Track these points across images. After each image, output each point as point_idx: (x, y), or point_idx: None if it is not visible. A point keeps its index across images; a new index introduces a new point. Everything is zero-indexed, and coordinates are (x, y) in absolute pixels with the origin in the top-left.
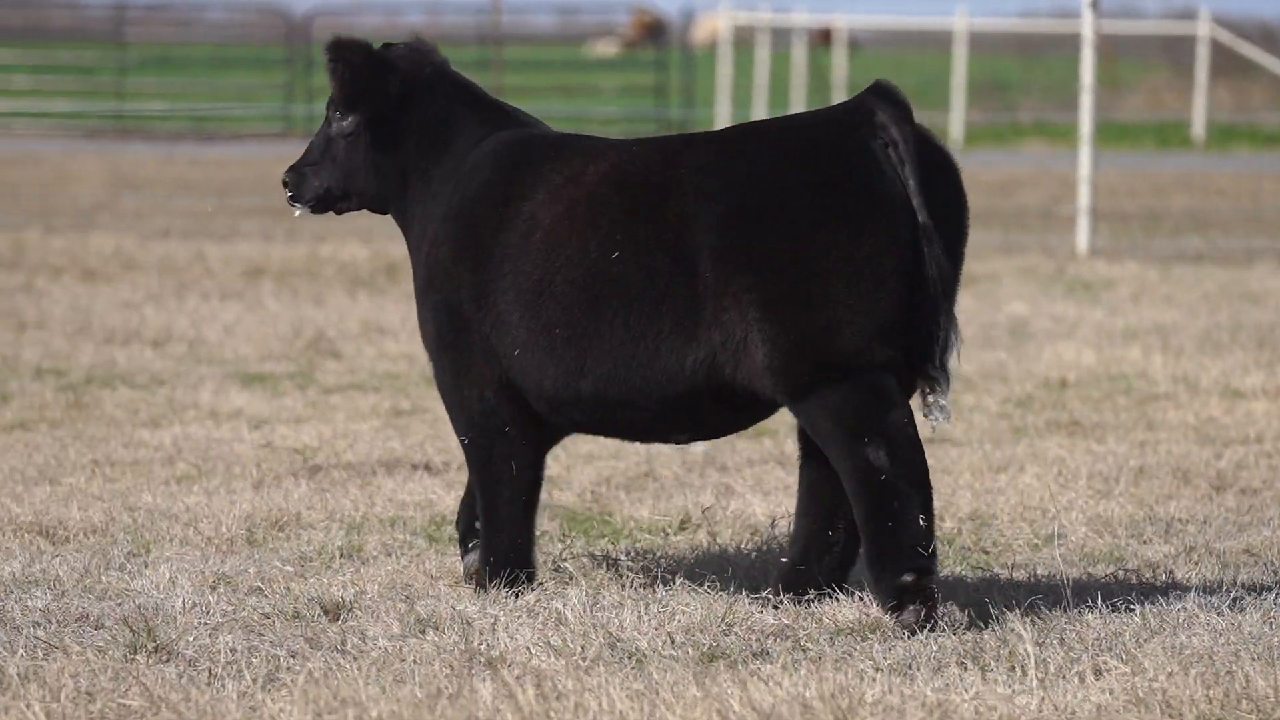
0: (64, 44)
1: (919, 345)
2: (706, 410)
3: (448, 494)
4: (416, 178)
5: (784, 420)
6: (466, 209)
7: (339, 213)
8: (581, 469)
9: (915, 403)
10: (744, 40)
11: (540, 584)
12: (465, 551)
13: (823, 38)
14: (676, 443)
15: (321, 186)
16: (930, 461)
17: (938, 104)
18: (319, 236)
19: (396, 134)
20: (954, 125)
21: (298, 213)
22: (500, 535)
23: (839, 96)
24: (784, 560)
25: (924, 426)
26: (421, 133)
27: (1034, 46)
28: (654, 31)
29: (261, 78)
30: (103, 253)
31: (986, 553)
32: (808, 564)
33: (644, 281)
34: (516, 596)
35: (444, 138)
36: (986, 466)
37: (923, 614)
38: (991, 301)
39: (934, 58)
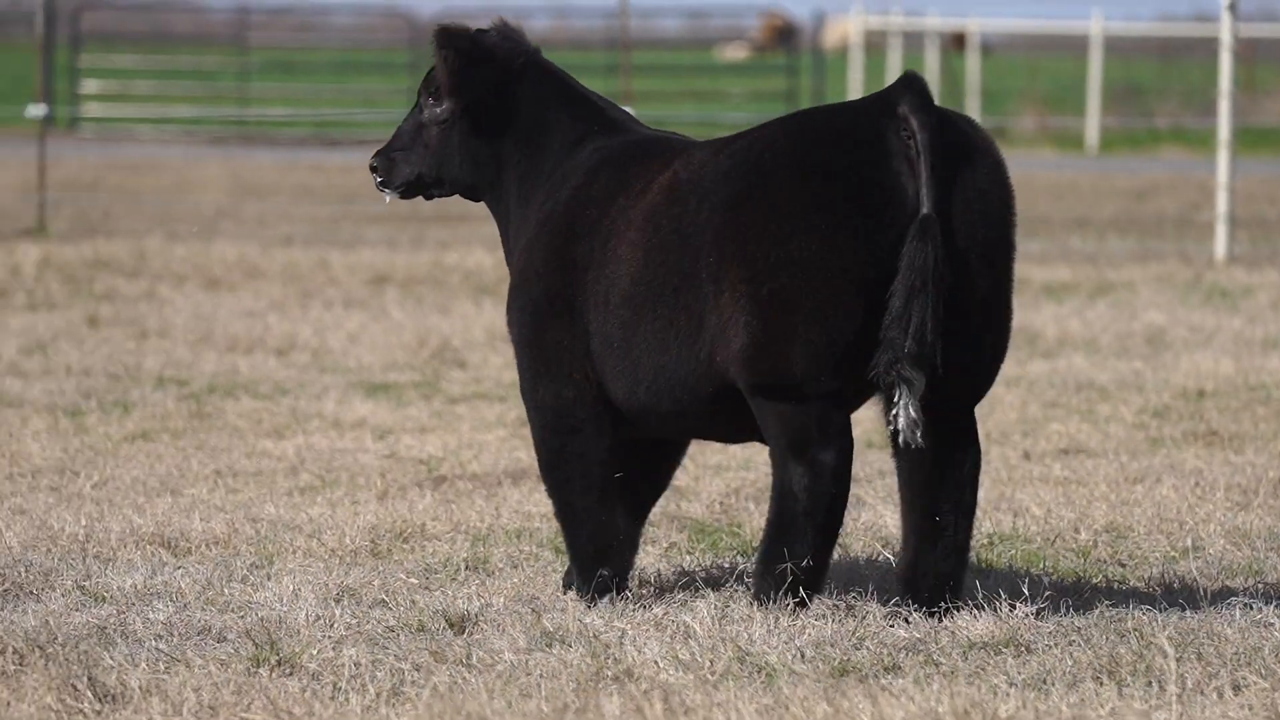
0: (186, 49)
1: (889, 340)
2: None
3: None
4: (510, 169)
5: None
6: (559, 214)
7: (429, 198)
8: (710, 480)
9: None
10: (875, 44)
11: (648, 591)
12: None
13: (955, 42)
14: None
15: (413, 173)
16: (1064, 472)
17: (1073, 109)
18: (444, 244)
19: (492, 122)
20: (1089, 131)
21: (389, 198)
22: (580, 533)
23: (972, 102)
24: (900, 561)
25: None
26: (516, 122)
27: (1171, 50)
28: (784, 35)
29: (385, 82)
30: (225, 260)
31: (1123, 565)
32: (923, 556)
33: (675, 286)
34: (607, 596)
35: (538, 130)
36: (1123, 478)
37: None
38: (1128, 310)
39: (1069, 62)
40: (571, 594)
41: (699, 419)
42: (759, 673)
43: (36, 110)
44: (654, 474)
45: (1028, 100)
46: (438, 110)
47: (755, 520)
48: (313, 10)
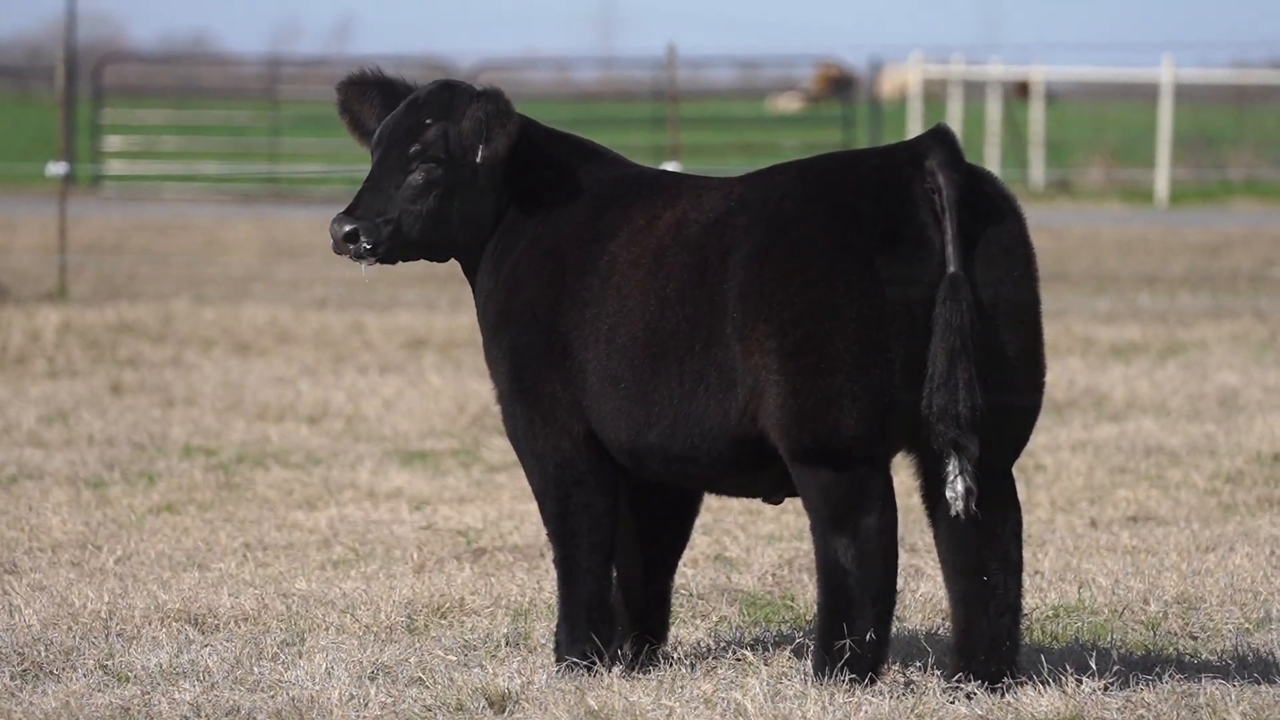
0: (214, 103)
1: (939, 406)
2: (778, 463)
3: None
4: (496, 222)
5: None
6: (552, 248)
7: (397, 262)
8: (762, 550)
9: (936, 480)
10: (935, 94)
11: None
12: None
13: (1019, 90)
14: (771, 501)
15: (399, 238)
16: (1133, 541)
17: (1142, 160)
18: None
19: (495, 183)
20: (1159, 183)
21: (366, 268)
22: (580, 591)
23: (1036, 153)
24: (953, 631)
25: (952, 505)
26: (512, 180)
27: (1246, 99)
28: (839, 85)
29: None
30: (255, 324)
31: (1194, 638)
32: (975, 620)
33: (691, 330)
34: (602, 657)
35: (528, 177)
36: (1194, 546)
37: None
38: (1199, 370)
39: (1138, 111)
40: (570, 656)
41: (711, 466)
42: None
43: (57, 168)
44: (672, 523)
45: (1094, 151)
46: (440, 172)
47: (809, 592)
48: (347, 62)
